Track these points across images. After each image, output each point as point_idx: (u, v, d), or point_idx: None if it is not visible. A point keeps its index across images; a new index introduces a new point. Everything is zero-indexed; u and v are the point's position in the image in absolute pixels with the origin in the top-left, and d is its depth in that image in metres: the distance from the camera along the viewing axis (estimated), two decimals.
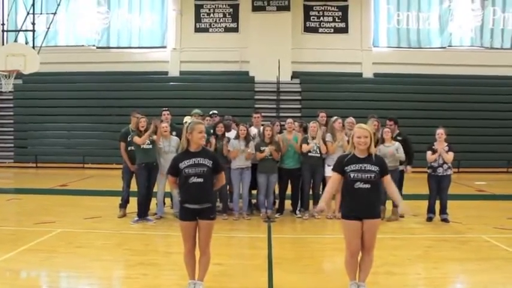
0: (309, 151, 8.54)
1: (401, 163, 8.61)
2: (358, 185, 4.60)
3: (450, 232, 7.83)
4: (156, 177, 8.44)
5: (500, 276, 5.56)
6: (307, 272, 5.71)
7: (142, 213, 8.31)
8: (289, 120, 9.08)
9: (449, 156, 8.35)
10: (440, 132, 8.50)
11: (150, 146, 8.26)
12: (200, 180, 4.64)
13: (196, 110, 9.58)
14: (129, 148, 8.56)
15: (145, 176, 8.26)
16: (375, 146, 5.16)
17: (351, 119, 8.86)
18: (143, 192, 8.26)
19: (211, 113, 9.92)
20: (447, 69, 18.69)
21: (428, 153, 8.48)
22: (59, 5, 17.20)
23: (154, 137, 8.29)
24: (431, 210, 8.57)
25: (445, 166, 8.40)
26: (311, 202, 8.87)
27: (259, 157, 8.46)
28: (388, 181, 4.75)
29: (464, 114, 17.69)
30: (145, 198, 8.33)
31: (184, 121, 9.14)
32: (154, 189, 8.62)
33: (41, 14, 16.76)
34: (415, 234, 7.73)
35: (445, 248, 6.88)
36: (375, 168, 4.61)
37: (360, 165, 4.61)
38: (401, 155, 8.40)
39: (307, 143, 8.55)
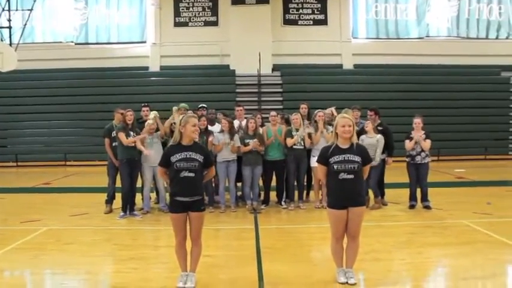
0: (294, 143, 8.63)
1: (382, 153, 8.75)
2: (343, 175, 4.73)
3: (432, 218, 8.04)
4: (136, 174, 8.45)
5: (481, 259, 5.76)
6: (295, 260, 5.82)
7: (128, 208, 8.34)
8: (273, 113, 9.18)
9: (427, 144, 8.54)
10: (417, 121, 8.70)
11: (133, 144, 8.28)
12: (191, 174, 4.70)
13: (183, 104, 9.59)
14: (113, 144, 8.54)
15: (127, 172, 8.28)
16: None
17: (329, 110, 9.00)
18: (126, 188, 8.28)
19: (199, 106, 9.93)
20: (425, 59, 19.07)
21: (406, 141, 8.66)
22: (35, 1, 17.00)
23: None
24: (412, 197, 8.77)
25: (423, 154, 8.60)
26: (296, 193, 8.98)
27: (243, 150, 8.54)
28: (365, 169, 4.93)
29: (442, 103, 18.03)
30: (128, 194, 8.35)
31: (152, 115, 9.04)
32: (139, 185, 8.65)
33: (17, 10, 16.54)
34: (398, 222, 7.91)
35: (428, 233, 7.07)
36: (357, 158, 4.75)
37: (343, 156, 4.74)
38: (379, 151, 8.49)
39: (292, 136, 8.64)
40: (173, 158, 4.72)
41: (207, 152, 4.99)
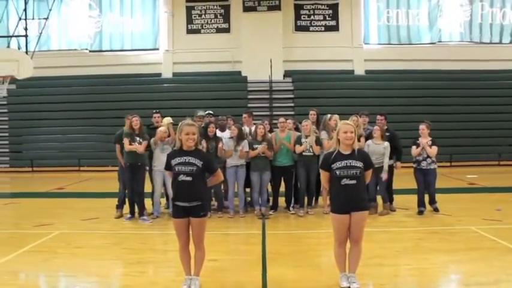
0: (303, 151, 8.68)
1: (390, 158, 8.76)
2: (345, 181, 4.80)
3: (440, 224, 8.02)
4: (142, 178, 8.57)
5: (486, 265, 5.75)
6: (300, 265, 5.87)
7: (134, 210, 8.58)
8: (282, 119, 9.20)
9: (432, 150, 8.56)
10: (422, 127, 8.76)
11: (136, 150, 8.42)
12: (189, 178, 4.77)
13: (206, 111, 9.82)
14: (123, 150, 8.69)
15: (129, 176, 8.43)
16: (358, 141, 5.35)
17: (335, 117, 9.03)
18: (129, 191, 8.51)
19: (206, 113, 10.05)
20: (437, 64, 18.97)
21: (413, 147, 8.70)
22: (50, 9, 17.36)
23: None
24: (421, 203, 8.77)
25: (429, 160, 8.62)
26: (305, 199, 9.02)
27: (251, 155, 8.62)
28: (368, 174, 4.97)
29: (455, 109, 17.95)
30: (132, 197, 8.54)
31: (165, 122, 9.24)
32: (149, 190, 8.78)
33: (33, 19, 16.94)
34: (405, 227, 7.90)
35: (435, 239, 7.06)
36: (359, 164, 4.82)
37: (345, 161, 4.81)
38: (386, 159, 8.55)
39: (301, 142, 8.69)
40: (173, 162, 4.83)
41: (207, 157, 5.07)
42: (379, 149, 8.46)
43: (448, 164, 16.82)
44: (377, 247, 6.47)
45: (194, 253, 4.98)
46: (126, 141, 8.36)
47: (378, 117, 9.29)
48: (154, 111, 9.64)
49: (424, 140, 8.63)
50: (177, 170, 4.80)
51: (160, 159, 8.35)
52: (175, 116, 9.86)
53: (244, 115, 9.98)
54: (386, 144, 8.58)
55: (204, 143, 8.51)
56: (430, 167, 8.63)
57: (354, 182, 4.80)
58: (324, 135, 8.90)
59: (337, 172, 4.81)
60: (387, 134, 8.83)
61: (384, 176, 8.53)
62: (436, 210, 8.79)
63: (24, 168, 17.99)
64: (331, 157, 4.89)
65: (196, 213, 4.85)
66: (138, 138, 8.44)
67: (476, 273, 5.48)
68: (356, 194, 4.84)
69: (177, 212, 4.90)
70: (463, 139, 17.49)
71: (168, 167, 4.90)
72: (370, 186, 7.96)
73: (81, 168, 17.75)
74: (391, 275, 5.50)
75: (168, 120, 8.90)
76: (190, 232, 4.93)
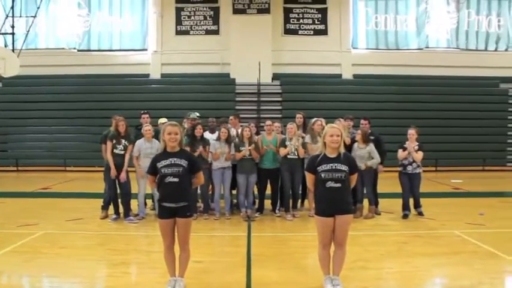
0: (287, 154, 8.72)
1: None
2: (330, 184, 4.84)
3: (424, 228, 8.12)
4: (127, 179, 8.56)
5: (467, 268, 5.84)
6: (284, 267, 5.90)
7: (118, 210, 8.61)
8: (268, 122, 9.23)
9: (418, 156, 8.66)
10: (411, 132, 8.82)
11: (122, 152, 8.43)
12: (176, 180, 4.80)
13: (195, 113, 9.81)
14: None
15: (112, 177, 8.42)
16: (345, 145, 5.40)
17: (320, 121, 9.05)
18: (112, 192, 8.53)
19: (191, 116, 10.02)
20: (424, 70, 19.20)
21: (400, 151, 8.79)
22: (38, 7, 17.26)
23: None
24: (405, 207, 8.85)
25: (414, 165, 8.72)
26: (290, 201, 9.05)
27: (238, 157, 8.64)
28: (353, 178, 5.02)
29: (441, 114, 18.14)
30: (115, 198, 8.57)
31: (159, 122, 9.35)
32: (135, 191, 8.76)
33: (21, 16, 16.71)
34: (390, 231, 7.97)
35: (418, 243, 7.14)
36: (344, 167, 4.86)
37: (331, 164, 4.85)
38: (374, 160, 8.64)
39: (285, 145, 8.71)
40: (159, 165, 4.84)
41: (193, 158, 5.09)
42: (362, 153, 8.54)
43: (433, 168, 17.01)
44: (361, 250, 6.54)
45: (179, 254, 4.99)
46: (109, 144, 8.38)
47: (362, 121, 9.37)
48: (142, 111, 9.64)
49: (412, 144, 8.72)
50: (163, 172, 4.81)
51: (144, 161, 8.34)
52: (163, 117, 9.90)
53: (230, 117, 10.00)
54: (369, 147, 8.64)
55: (201, 147, 8.51)
56: (416, 171, 8.73)
57: (338, 185, 4.84)
58: (307, 139, 8.94)
59: (322, 175, 4.85)
60: (371, 137, 8.90)
61: (362, 165, 8.35)
62: (420, 214, 8.92)
63: (9, 167, 17.77)
64: (317, 159, 4.93)
65: (182, 213, 4.86)
66: (123, 141, 8.43)
67: (459, 277, 5.56)
68: (340, 197, 4.88)
69: (163, 213, 4.90)
70: (448, 144, 17.68)
71: (153, 170, 4.91)
72: (357, 188, 8.05)
73: (67, 168, 17.56)
74: (375, 278, 5.56)
75: (162, 120, 8.93)
76: (176, 233, 4.93)
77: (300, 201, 9.46)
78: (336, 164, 4.84)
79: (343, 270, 5.09)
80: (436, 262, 6.16)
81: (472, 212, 9.35)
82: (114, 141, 8.39)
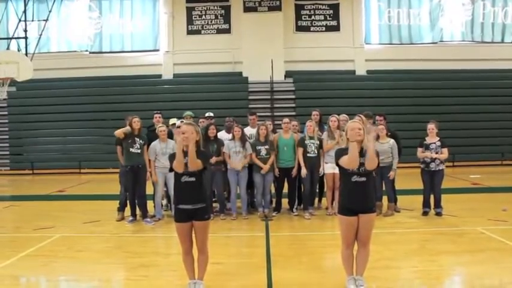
0: (307, 152, 8.56)
1: None
2: (355, 178, 4.70)
3: (446, 225, 7.92)
4: (143, 180, 8.46)
5: (494, 267, 5.65)
6: (305, 268, 5.78)
7: (136, 212, 8.53)
8: (286, 119, 9.04)
9: (443, 155, 8.43)
10: (431, 127, 8.58)
11: (139, 151, 8.36)
12: (192, 179, 4.70)
13: (188, 112, 9.67)
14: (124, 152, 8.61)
15: (130, 179, 8.35)
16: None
17: (343, 117, 8.90)
18: (130, 194, 8.44)
19: (206, 115, 9.96)
20: (439, 64, 18.86)
21: (419, 150, 8.55)
22: (50, 11, 17.32)
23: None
24: (426, 204, 8.65)
25: (437, 161, 8.47)
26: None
27: (255, 161, 8.56)
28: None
29: (457, 109, 17.83)
30: (132, 200, 8.48)
31: (170, 123, 9.27)
32: (151, 192, 8.70)
33: (33, 21, 16.83)
34: (411, 229, 7.80)
35: (441, 241, 6.96)
36: None
37: None
38: (395, 163, 8.54)
39: (304, 144, 8.57)
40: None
41: (204, 153, 4.94)
42: (384, 148, 8.36)
43: (451, 164, 16.69)
44: (383, 249, 6.37)
45: (197, 256, 4.88)
46: (119, 132, 8.35)
47: (377, 117, 9.20)
48: (155, 111, 9.57)
49: (432, 140, 8.50)
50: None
51: (161, 160, 8.29)
52: (176, 117, 9.84)
53: (251, 116, 9.81)
54: (392, 141, 8.50)
55: (214, 158, 8.40)
56: (439, 167, 8.49)
57: (363, 179, 4.69)
58: (324, 136, 8.82)
59: (348, 169, 4.71)
60: (387, 134, 8.73)
61: (392, 174, 8.47)
62: (438, 214, 8.54)
63: (25, 170, 17.90)
64: (343, 153, 4.78)
65: (200, 216, 4.75)
66: (138, 139, 8.36)
67: (487, 275, 5.39)
68: (366, 193, 4.72)
69: (179, 216, 4.80)
70: (465, 139, 17.37)
71: (172, 168, 4.81)
72: (376, 185, 7.88)
73: (82, 171, 17.66)
74: (399, 277, 5.42)
75: (173, 121, 8.86)
76: (194, 236, 4.84)
77: (317, 199, 9.34)
78: (360, 158, 4.69)
79: (366, 270, 4.95)
80: (461, 260, 6.01)
81: (493, 208, 9.12)
82: (130, 141, 8.32)
